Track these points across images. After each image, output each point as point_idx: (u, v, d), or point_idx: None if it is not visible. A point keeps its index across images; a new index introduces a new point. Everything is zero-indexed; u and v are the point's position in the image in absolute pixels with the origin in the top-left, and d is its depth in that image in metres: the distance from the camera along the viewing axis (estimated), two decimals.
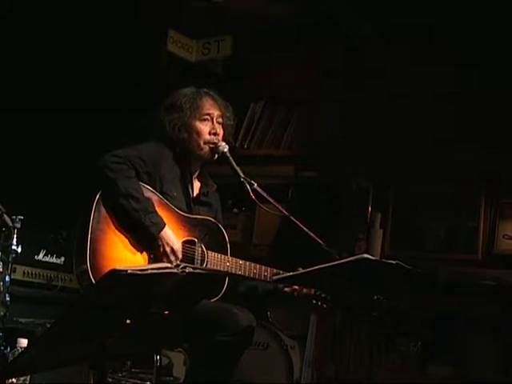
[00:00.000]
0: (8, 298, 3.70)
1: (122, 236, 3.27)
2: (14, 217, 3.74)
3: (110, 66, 5.38)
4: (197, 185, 3.65)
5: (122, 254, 3.25)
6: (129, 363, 4.44)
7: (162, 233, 3.30)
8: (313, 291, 3.52)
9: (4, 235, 3.74)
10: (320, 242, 3.48)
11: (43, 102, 5.13)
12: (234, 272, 3.43)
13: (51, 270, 4.55)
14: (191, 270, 2.56)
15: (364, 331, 4.73)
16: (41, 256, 4.53)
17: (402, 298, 4.30)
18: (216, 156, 3.58)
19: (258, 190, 3.49)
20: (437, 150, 4.91)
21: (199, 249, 3.42)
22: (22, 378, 3.55)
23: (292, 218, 3.49)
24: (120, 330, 2.58)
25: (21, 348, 3.57)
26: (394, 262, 3.15)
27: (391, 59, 5.07)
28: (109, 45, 5.28)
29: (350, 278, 3.21)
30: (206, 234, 3.47)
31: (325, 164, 5.14)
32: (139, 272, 2.43)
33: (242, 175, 3.51)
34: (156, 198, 3.40)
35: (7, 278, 3.72)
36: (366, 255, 3.13)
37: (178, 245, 3.33)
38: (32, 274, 4.46)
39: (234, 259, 3.46)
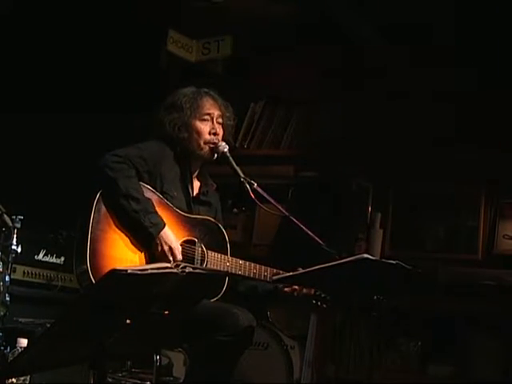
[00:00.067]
0: (8, 298, 3.70)
1: (123, 236, 3.27)
2: (14, 217, 3.75)
3: (109, 66, 5.38)
4: (196, 184, 3.65)
5: (122, 254, 3.25)
6: (129, 363, 4.44)
7: (162, 233, 3.30)
8: (313, 291, 3.52)
9: (4, 235, 3.75)
10: (320, 242, 3.48)
11: (43, 102, 5.13)
12: (233, 272, 3.43)
13: (51, 270, 4.55)
14: (191, 269, 2.56)
15: (364, 331, 4.73)
16: (41, 256, 4.53)
17: (402, 298, 4.29)
18: (216, 156, 3.58)
19: (258, 190, 3.49)
20: (437, 149, 4.91)
21: (199, 249, 3.42)
22: (22, 378, 3.55)
23: (292, 217, 3.49)
24: (120, 329, 2.58)
25: (21, 348, 3.58)
26: (394, 262, 3.15)
27: (391, 59, 5.07)
28: (109, 45, 5.28)
29: (350, 278, 3.21)
30: (206, 234, 3.47)
31: (325, 164, 5.14)
32: (139, 272, 2.43)
33: (241, 175, 3.50)
34: (156, 197, 3.40)
35: (7, 278, 3.72)
36: (365, 255, 3.13)
37: (176, 244, 3.33)
38: (32, 273, 4.46)
39: (234, 259, 3.46)
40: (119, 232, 3.27)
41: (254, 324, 3.30)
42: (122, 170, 3.31)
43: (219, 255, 3.44)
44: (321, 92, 5.29)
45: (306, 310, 4.26)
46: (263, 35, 5.23)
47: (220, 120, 3.61)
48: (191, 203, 3.56)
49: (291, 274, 3.37)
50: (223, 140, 3.60)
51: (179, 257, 3.33)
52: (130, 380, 4.35)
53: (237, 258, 3.47)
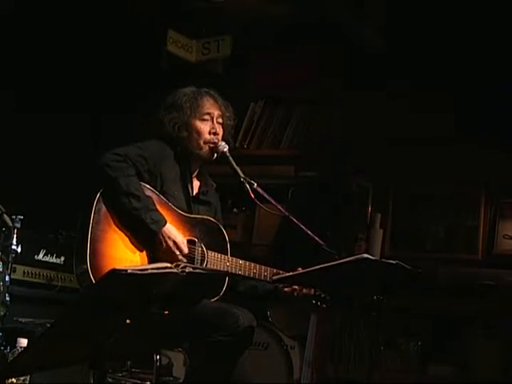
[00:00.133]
0: (8, 298, 3.70)
1: (123, 235, 3.27)
2: (14, 217, 3.75)
3: (110, 66, 5.39)
4: (196, 184, 3.65)
5: (123, 254, 3.24)
6: (129, 363, 4.44)
7: (164, 228, 3.28)
8: (313, 291, 3.52)
9: (4, 235, 3.75)
10: (320, 241, 3.48)
11: (44, 102, 5.14)
12: (233, 272, 3.43)
13: (51, 270, 4.55)
14: (191, 269, 2.56)
15: (364, 331, 4.73)
16: (41, 256, 4.52)
17: (402, 298, 4.29)
18: (216, 155, 3.57)
19: (258, 189, 3.48)
20: (437, 149, 4.91)
21: (199, 248, 3.42)
22: (22, 378, 3.54)
23: (292, 217, 3.49)
24: (120, 329, 2.58)
25: (21, 348, 3.57)
26: (394, 262, 3.15)
27: (391, 59, 5.06)
28: (109, 45, 5.29)
29: (350, 278, 3.21)
30: (206, 234, 3.46)
31: (325, 164, 5.14)
32: (139, 272, 2.43)
33: (241, 175, 3.50)
34: (156, 197, 3.40)
35: (7, 278, 3.72)
36: (365, 255, 3.12)
37: (180, 238, 3.31)
38: (32, 273, 4.46)
39: (234, 259, 3.46)
40: (119, 232, 3.27)
41: (254, 324, 3.29)
42: (122, 168, 3.30)
43: (219, 255, 3.44)
44: (321, 92, 5.29)
45: (306, 310, 4.25)
46: (263, 35, 5.23)
47: (220, 120, 3.61)
48: (191, 203, 3.55)
49: (291, 274, 3.37)
50: (223, 140, 3.59)
51: (185, 250, 3.31)
52: (130, 380, 4.35)
53: (237, 257, 3.47)
